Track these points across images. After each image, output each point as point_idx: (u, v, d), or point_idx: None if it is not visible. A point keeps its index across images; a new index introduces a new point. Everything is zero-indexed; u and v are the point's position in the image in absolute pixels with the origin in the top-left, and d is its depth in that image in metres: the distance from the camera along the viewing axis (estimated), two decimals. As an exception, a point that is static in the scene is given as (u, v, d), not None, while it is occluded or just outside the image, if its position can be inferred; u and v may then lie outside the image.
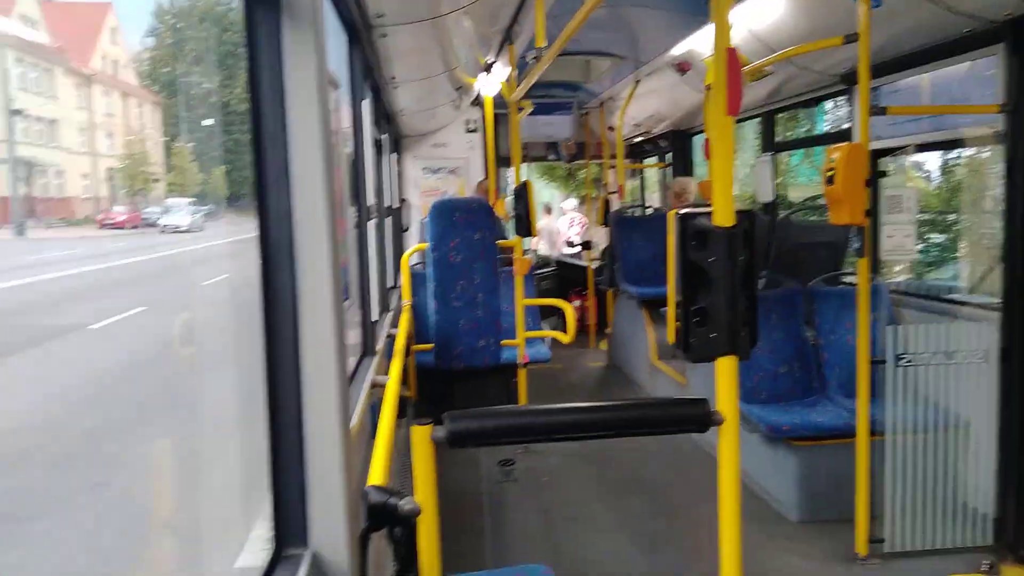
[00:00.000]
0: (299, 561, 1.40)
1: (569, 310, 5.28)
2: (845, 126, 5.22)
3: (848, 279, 4.77)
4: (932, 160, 7.04)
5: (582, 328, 8.61)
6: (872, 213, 3.52)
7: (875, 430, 3.43)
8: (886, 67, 4.17)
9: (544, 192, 17.65)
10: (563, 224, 11.61)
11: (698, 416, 1.59)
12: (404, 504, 1.51)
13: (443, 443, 1.55)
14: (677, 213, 1.55)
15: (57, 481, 3.69)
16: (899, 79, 4.26)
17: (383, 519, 1.53)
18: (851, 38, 3.23)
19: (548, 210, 12.01)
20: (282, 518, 1.45)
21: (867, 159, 3.26)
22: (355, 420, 2.19)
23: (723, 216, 1.50)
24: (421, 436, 1.55)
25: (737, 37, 4.52)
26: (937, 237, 6.67)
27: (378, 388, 3.11)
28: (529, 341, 5.51)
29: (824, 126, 9.20)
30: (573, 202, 12.19)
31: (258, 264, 1.38)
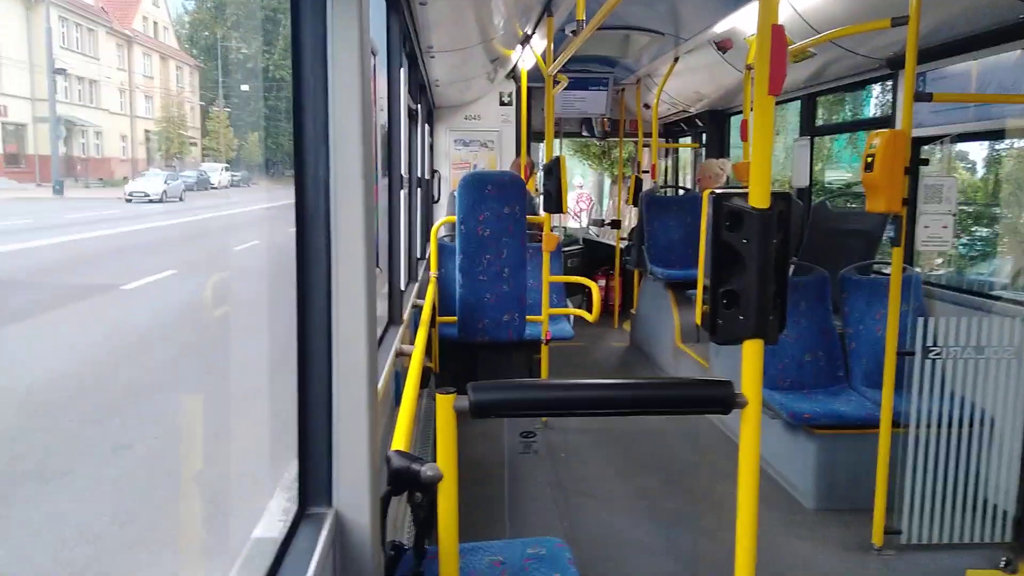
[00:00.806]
0: (323, 519, 1.44)
1: (595, 289, 5.26)
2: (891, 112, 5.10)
3: (883, 268, 4.70)
4: (979, 150, 6.83)
5: (606, 308, 8.62)
6: (910, 202, 3.45)
7: (898, 422, 3.40)
8: (933, 52, 4.06)
9: (577, 169, 17.66)
10: (571, 199, 12.35)
11: (721, 398, 1.59)
12: (426, 470, 1.54)
13: (465, 413, 1.57)
14: (712, 193, 1.53)
15: (85, 438, 3.77)
16: (946, 65, 4.15)
17: (405, 484, 1.56)
18: (899, 21, 3.14)
19: None
20: (308, 477, 1.48)
21: (908, 146, 3.19)
22: (380, 387, 2.23)
23: (759, 197, 1.49)
24: (445, 404, 1.57)
25: (781, 16, 4.41)
26: (982, 231, 6.51)
27: (402, 357, 3.15)
28: (553, 318, 5.51)
29: (870, 111, 8.97)
30: (579, 180, 13.05)
31: (295, 227, 1.40)
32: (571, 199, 13.07)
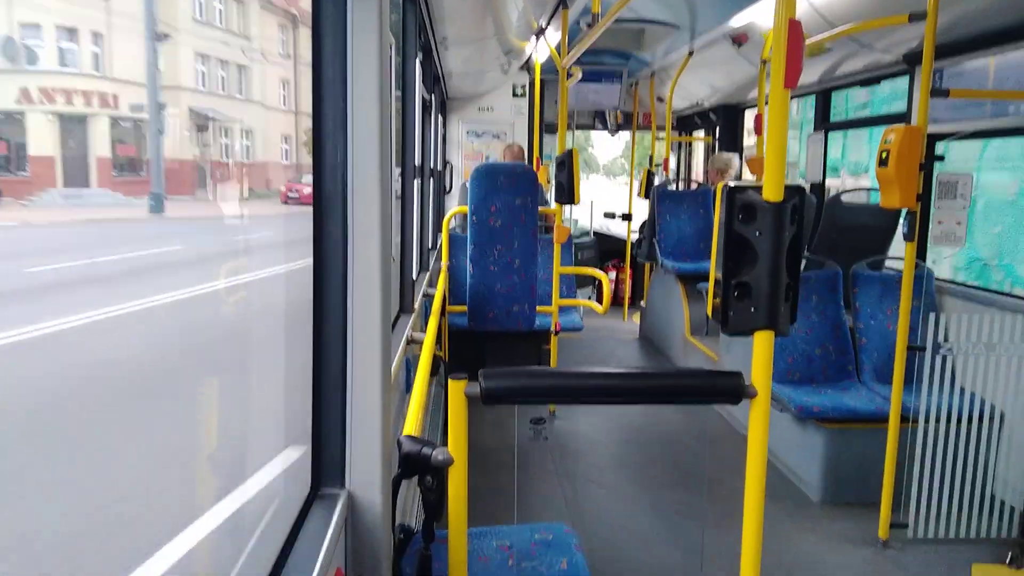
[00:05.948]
0: (336, 500, 1.47)
1: (605, 281, 5.27)
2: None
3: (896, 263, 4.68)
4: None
5: (616, 300, 8.63)
6: (924, 198, 3.44)
7: (906, 417, 3.41)
8: (951, 48, 4.04)
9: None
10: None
11: (732, 388, 1.60)
12: (437, 454, 1.56)
13: (476, 399, 1.59)
14: (725, 186, 1.54)
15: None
16: (964, 61, 4.12)
17: (415, 467, 1.59)
18: (917, 16, 3.13)
19: None
20: (322, 458, 1.51)
21: (923, 142, 3.18)
22: (392, 373, 2.26)
23: (773, 190, 1.50)
24: (456, 390, 1.59)
25: (797, 10, 4.39)
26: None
27: (413, 344, 3.18)
28: (563, 309, 5.53)
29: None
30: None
31: (312, 213, 1.42)
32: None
